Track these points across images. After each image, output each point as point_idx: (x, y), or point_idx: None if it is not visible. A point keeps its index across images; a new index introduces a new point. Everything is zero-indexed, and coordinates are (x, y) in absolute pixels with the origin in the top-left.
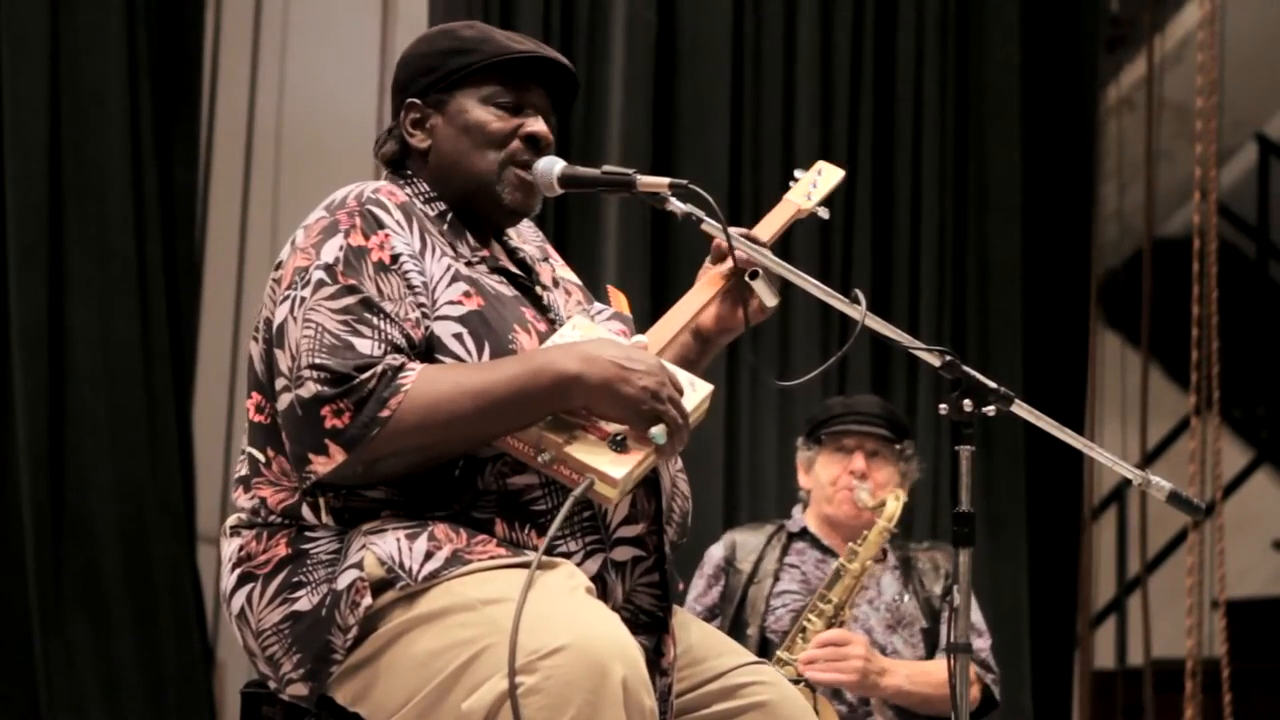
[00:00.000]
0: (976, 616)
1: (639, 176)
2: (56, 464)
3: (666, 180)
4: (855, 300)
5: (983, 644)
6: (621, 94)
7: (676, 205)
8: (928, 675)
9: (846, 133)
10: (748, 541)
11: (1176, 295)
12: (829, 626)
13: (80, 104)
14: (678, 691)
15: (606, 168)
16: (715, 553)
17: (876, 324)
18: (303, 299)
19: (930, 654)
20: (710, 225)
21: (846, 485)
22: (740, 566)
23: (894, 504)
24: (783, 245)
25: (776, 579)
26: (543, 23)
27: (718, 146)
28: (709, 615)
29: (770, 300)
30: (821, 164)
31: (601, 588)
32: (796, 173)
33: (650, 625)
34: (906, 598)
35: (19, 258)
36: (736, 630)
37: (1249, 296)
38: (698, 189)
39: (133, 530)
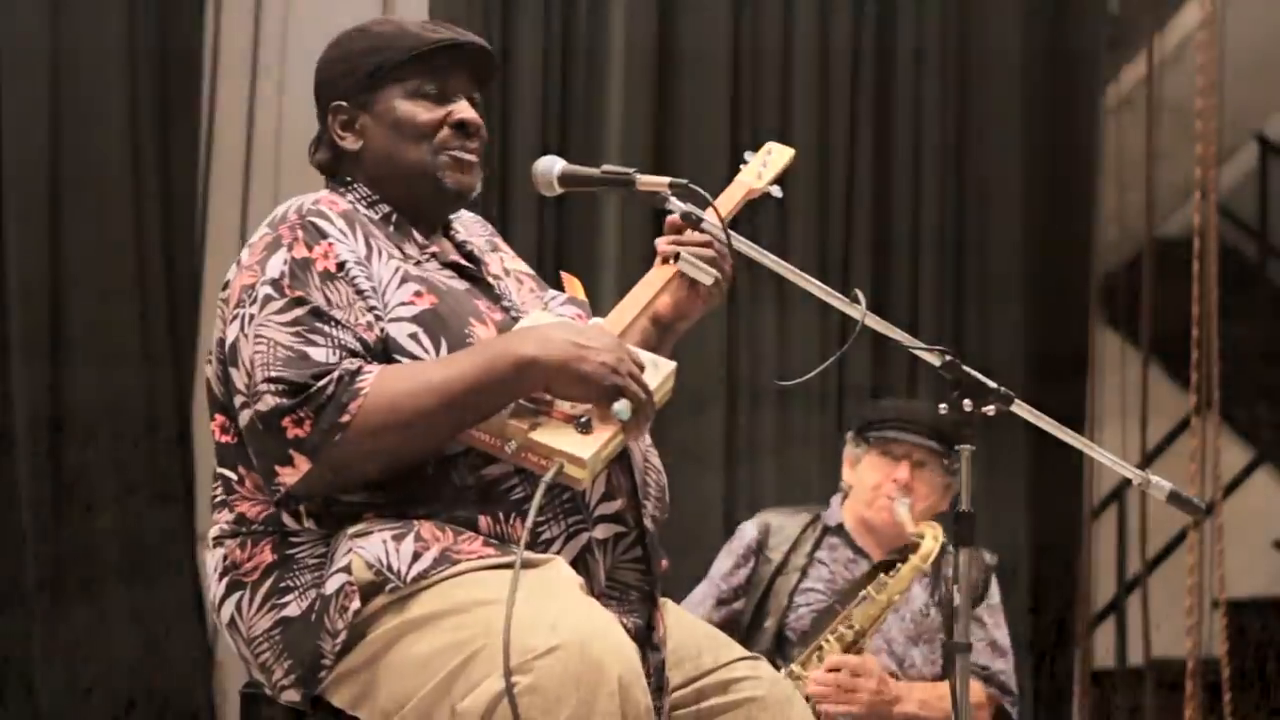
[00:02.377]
0: (1001, 635)
1: (639, 176)
2: (56, 465)
3: (666, 180)
4: (855, 300)
5: (1003, 665)
6: (622, 95)
7: (676, 205)
8: (943, 700)
9: (846, 133)
10: (783, 527)
11: (1176, 295)
12: (846, 651)
13: (80, 105)
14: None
15: (606, 167)
16: (747, 532)
17: (877, 324)
18: (251, 316)
19: (948, 668)
20: (710, 225)
21: (888, 494)
22: (770, 555)
23: (931, 544)
24: (781, 244)
25: (804, 574)
26: (543, 24)
27: (716, 149)
28: (733, 595)
29: (705, 279)
30: (771, 144)
31: (585, 568)
32: (746, 155)
33: (639, 601)
34: (933, 611)
35: (19, 259)
36: (756, 621)
37: (1249, 296)
38: (697, 188)
39: (133, 530)
